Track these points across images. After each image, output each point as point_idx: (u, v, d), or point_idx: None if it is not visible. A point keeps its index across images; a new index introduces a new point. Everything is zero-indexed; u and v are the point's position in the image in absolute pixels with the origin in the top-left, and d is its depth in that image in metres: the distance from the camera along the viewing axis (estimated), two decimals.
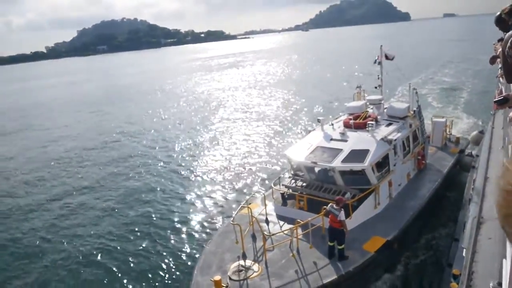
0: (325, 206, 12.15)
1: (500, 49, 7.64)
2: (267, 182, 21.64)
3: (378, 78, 18.82)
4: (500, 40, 7.58)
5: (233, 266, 11.41)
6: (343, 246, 11.64)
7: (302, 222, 12.09)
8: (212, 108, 51.56)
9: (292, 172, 16.05)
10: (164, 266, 15.71)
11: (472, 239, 8.38)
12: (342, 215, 11.50)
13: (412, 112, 17.95)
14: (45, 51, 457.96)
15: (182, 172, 27.36)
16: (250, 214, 12.63)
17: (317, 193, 14.11)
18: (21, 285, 15.59)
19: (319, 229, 12.40)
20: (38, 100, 78.08)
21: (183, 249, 16.91)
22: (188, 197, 22.70)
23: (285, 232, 12.51)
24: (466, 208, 12.42)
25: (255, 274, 11.04)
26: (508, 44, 3.99)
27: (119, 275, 15.55)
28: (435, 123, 20.70)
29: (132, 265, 16.11)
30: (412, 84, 20.59)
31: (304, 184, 15.03)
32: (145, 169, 28.77)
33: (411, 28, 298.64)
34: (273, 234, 12.59)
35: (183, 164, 29.26)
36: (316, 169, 15.04)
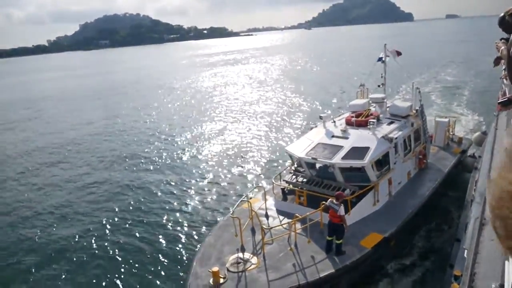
0: (323, 202, 12.30)
1: (502, 48, 7.58)
2: (268, 177, 21.76)
3: (382, 76, 18.81)
4: (503, 39, 7.51)
5: (232, 258, 11.61)
6: (341, 241, 11.77)
7: (300, 217, 12.32)
8: (215, 103, 51.78)
9: (293, 168, 16.24)
10: (164, 258, 15.95)
11: (474, 240, 8.34)
12: (342, 210, 11.68)
13: (414, 111, 17.99)
14: (46, 44, 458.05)
15: (184, 166, 27.55)
16: (250, 208, 12.86)
17: (317, 189, 14.24)
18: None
19: (317, 224, 12.60)
20: (42, 93, 78.18)
21: (183, 241, 17.14)
22: (189, 191, 22.85)
23: (284, 226, 12.72)
24: (468, 209, 12.39)
25: (253, 266, 11.23)
26: None
27: (119, 265, 15.80)
28: (438, 123, 20.74)
29: (132, 255, 16.32)
30: (416, 83, 20.56)
31: (305, 180, 15.21)
32: (146, 162, 28.94)
33: (414, 28, 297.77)
34: (271, 228, 12.78)
35: (185, 158, 29.47)
36: (317, 165, 15.17)
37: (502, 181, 1.68)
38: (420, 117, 18.00)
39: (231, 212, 13.34)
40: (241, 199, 15.00)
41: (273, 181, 15.99)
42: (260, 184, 17.43)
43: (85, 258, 16.52)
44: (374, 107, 18.63)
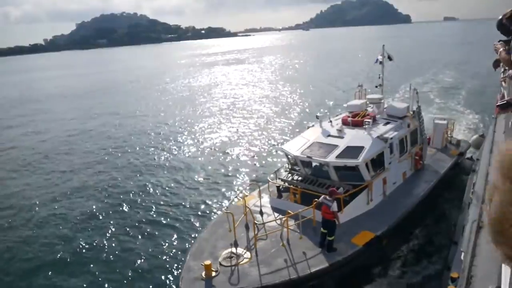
0: (316, 199, 12.52)
1: (501, 50, 7.61)
2: (264, 175, 22.08)
3: (379, 77, 18.89)
4: (501, 41, 7.54)
5: (225, 252, 11.88)
6: (333, 237, 11.96)
7: (292, 213, 12.59)
8: (213, 103, 52.16)
9: (289, 167, 16.42)
10: (159, 252, 16.28)
11: (472, 243, 8.35)
12: (334, 206, 11.89)
13: (411, 113, 18.16)
14: (43, 43, 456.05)
15: (181, 163, 27.84)
16: (244, 204, 13.18)
17: (312, 187, 14.43)
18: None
19: (310, 221, 12.78)
20: (39, 92, 78.08)
21: (179, 237, 17.46)
22: (185, 187, 23.14)
23: (278, 222, 12.93)
24: (465, 212, 12.42)
25: (245, 261, 11.47)
26: None
27: (113, 258, 16.19)
28: (436, 125, 20.86)
29: (127, 249, 16.69)
30: (414, 84, 20.70)
31: (300, 178, 15.38)
32: (142, 159, 29.31)
33: (412, 30, 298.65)
34: (262, 223, 13.02)
35: (181, 156, 29.82)
36: (313, 164, 15.32)
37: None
38: (417, 118, 18.08)
39: (225, 208, 13.55)
40: (236, 196, 15.27)
41: (269, 179, 16.20)
42: (255, 182, 17.71)
43: (80, 252, 16.87)
44: (372, 107, 18.75)
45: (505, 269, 6.79)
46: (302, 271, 10.98)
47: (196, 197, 21.70)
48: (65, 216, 20.63)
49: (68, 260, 16.42)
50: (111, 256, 16.34)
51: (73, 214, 20.78)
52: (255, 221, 12.34)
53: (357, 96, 20.31)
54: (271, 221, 13.29)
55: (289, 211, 12.84)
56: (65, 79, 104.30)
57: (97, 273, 15.27)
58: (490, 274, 7.22)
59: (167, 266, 15.33)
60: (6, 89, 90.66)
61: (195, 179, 24.57)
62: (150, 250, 16.53)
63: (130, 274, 15.06)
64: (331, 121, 16.94)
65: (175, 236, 17.57)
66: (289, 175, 15.90)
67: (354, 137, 15.21)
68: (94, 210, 21.02)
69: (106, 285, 14.52)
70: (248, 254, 11.76)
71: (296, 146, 15.64)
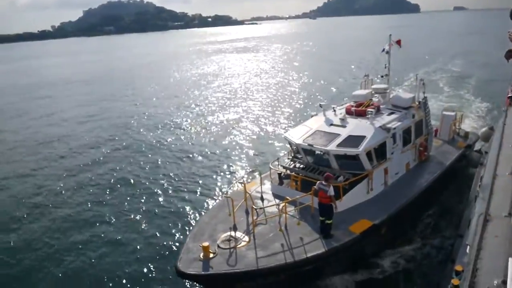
0: (314, 187, 12.61)
1: None
2: (267, 162, 22.48)
3: (385, 67, 18.68)
4: None
5: (224, 235, 12.17)
6: (331, 221, 12.14)
7: (290, 199, 12.86)
8: (220, 90, 52.83)
9: (292, 154, 16.58)
10: (160, 233, 17.11)
11: (478, 236, 8.28)
12: (331, 190, 12.06)
13: (417, 103, 17.96)
14: (51, 30, 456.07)
15: (185, 148, 28.62)
16: (244, 190, 13.43)
17: (312, 175, 14.50)
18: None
19: (309, 208, 13.00)
20: (48, 78, 78.92)
21: (180, 219, 18.17)
22: (189, 173, 23.79)
23: (276, 208, 13.02)
24: (472, 205, 12.30)
25: (243, 244, 11.75)
26: None
27: (116, 238, 17.11)
28: (444, 116, 20.61)
29: (131, 231, 17.58)
30: (422, 73, 20.48)
31: (302, 166, 15.57)
32: (145, 144, 30.21)
33: (421, 20, 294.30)
34: (260, 208, 13.31)
35: (185, 141, 30.62)
36: (316, 152, 15.33)
37: None
38: (423, 109, 17.89)
39: (225, 193, 13.78)
40: (238, 181, 15.61)
41: (270, 165, 16.34)
42: (257, 169, 18.00)
43: (81, 227, 18.18)
44: (377, 97, 18.59)
45: (511, 263, 6.72)
46: (298, 255, 11.17)
47: (199, 181, 22.32)
48: (74, 194, 21.87)
49: (73, 238, 17.35)
50: (116, 235, 17.34)
51: (81, 193, 22.04)
52: (253, 206, 12.62)
53: (363, 86, 20.12)
54: (269, 206, 13.57)
55: (288, 198, 13.08)
56: (75, 66, 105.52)
57: (105, 250, 16.22)
58: (496, 267, 7.15)
59: (167, 246, 16.00)
60: (17, 75, 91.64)
61: (199, 164, 25.18)
62: (151, 231, 17.29)
63: (131, 253, 15.90)
64: (334, 110, 16.93)
65: (176, 218, 18.24)
66: (291, 162, 16.08)
67: (356, 126, 15.21)
68: (100, 189, 22.22)
69: (112, 260, 15.58)
70: (246, 238, 12.02)
71: (299, 134, 15.76)
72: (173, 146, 29.63)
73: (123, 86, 61.42)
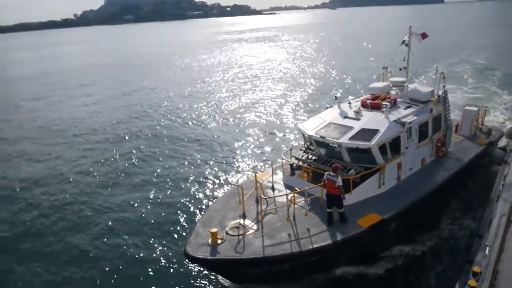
0: (323, 179, 12.69)
1: None
2: (280, 152, 22.70)
3: (404, 60, 18.26)
4: None
5: (232, 223, 12.50)
6: (343, 209, 12.32)
7: (298, 190, 13.03)
8: (237, 79, 53.34)
9: (305, 145, 16.52)
10: (171, 218, 17.71)
11: (499, 237, 7.93)
12: (339, 181, 12.18)
13: (436, 97, 17.47)
14: (74, 18, 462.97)
15: (199, 136, 29.06)
16: (255, 179, 13.57)
17: (324, 167, 14.53)
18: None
19: (318, 199, 13.07)
20: (73, 64, 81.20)
21: (191, 205, 18.72)
22: (204, 161, 24.18)
23: (286, 198, 13.02)
24: (493, 205, 11.85)
25: (250, 232, 12.01)
26: None
27: (129, 220, 17.92)
28: (465, 111, 19.98)
29: (143, 214, 18.34)
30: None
31: (314, 157, 15.53)
32: (160, 132, 30.81)
33: (445, 10, 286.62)
34: (269, 197, 13.40)
35: (200, 129, 31.03)
36: (330, 145, 15.17)
37: None
38: (442, 104, 17.39)
39: (236, 182, 14.02)
40: (249, 171, 16.04)
41: (283, 156, 16.43)
42: (267, 159, 17.97)
43: (95, 215, 18.76)
44: (395, 90, 18.15)
45: None
46: (304, 246, 11.30)
47: (212, 169, 22.76)
48: (88, 178, 22.73)
49: (89, 220, 18.25)
50: (129, 217, 18.17)
51: (95, 176, 23.04)
52: (262, 196, 12.91)
53: (381, 78, 19.68)
54: (278, 196, 13.61)
55: (296, 188, 13.26)
56: (99, 53, 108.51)
57: (118, 231, 17.08)
58: None
59: (178, 231, 16.61)
60: (42, 62, 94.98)
61: (212, 152, 25.59)
62: (163, 216, 17.99)
63: (142, 235, 16.59)
64: (350, 103, 16.72)
65: (188, 204, 18.79)
66: (304, 153, 16.02)
67: (370, 119, 15.02)
68: (115, 173, 23.26)
69: (123, 241, 16.32)
70: (254, 226, 12.25)
71: (312, 126, 15.70)
72: (187, 134, 30.01)
73: (140, 74, 62.35)
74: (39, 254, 15.96)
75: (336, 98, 17.12)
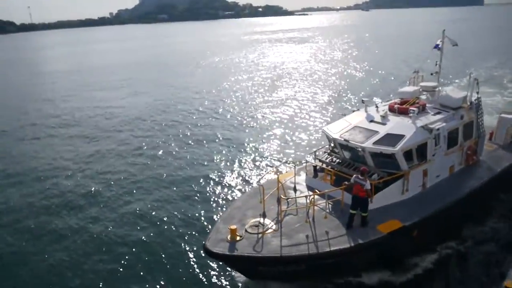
0: (346, 182, 12.83)
1: None
2: (303, 154, 22.88)
3: (436, 64, 17.71)
4: None
5: (252, 221, 12.72)
6: (367, 213, 12.25)
7: (318, 193, 13.22)
8: (266, 79, 53.77)
9: (330, 148, 16.44)
10: (194, 213, 18.20)
11: None
12: (368, 184, 12.17)
13: (468, 104, 16.91)
14: (109, 17, 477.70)
15: (225, 136, 29.40)
16: (277, 180, 13.72)
17: (347, 170, 14.46)
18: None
19: (339, 202, 13.07)
20: (111, 61, 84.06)
21: (214, 202, 19.21)
22: (227, 159, 24.60)
23: (306, 199, 13.03)
24: None
25: (269, 231, 12.18)
26: None
27: (153, 215, 18.41)
28: (501, 119, 19.22)
29: (167, 208, 18.88)
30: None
31: (338, 160, 15.47)
32: (188, 130, 31.48)
33: (484, 13, 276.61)
34: (288, 198, 13.48)
35: (226, 128, 31.42)
36: (354, 148, 15.00)
37: None
38: (475, 110, 16.83)
39: (258, 181, 14.65)
40: (272, 171, 16.61)
41: (306, 158, 16.48)
42: (291, 159, 17.79)
43: (122, 207, 19.49)
44: (425, 95, 17.75)
45: None
46: (321, 248, 11.32)
47: (236, 168, 23.10)
48: (118, 174, 23.25)
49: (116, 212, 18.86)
50: (154, 211, 18.70)
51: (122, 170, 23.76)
52: (282, 196, 12.96)
53: (412, 83, 19.19)
54: (298, 197, 13.66)
55: (317, 191, 13.37)
56: (133, 51, 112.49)
57: (144, 224, 17.73)
58: None
59: (199, 226, 17.13)
60: (84, 57, 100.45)
61: (237, 151, 25.95)
62: (186, 210, 18.47)
63: (165, 229, 17.15)
64: (377, 107, 16.46)
65: (210, 201, 19.28)
66: (328, 156, 15.97)
67: (396, 124, 14.72)
68: (141, 168, 24.06)
69: (147, 233, 16.90)
70: (274, 226, 12.41)
71: (337, 129, 15.59)
72: (213, 132, 30.51)
73: (172, 72, 64.18)
74: (65, 239, 16.82)
75: (363, 101, 16.94)
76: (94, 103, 43.86)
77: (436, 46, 17.70)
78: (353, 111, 17.12)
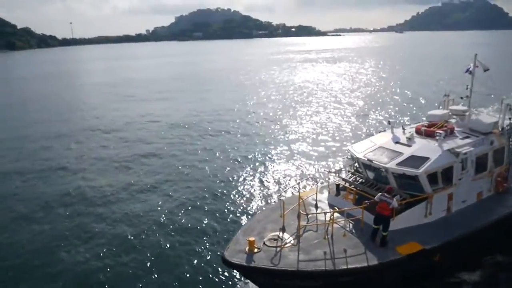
0: (367, 201, 12.90)
1: None
2: (327, 172, 22.92)
3: (467, 88, 17.65)
4: None
5: (271, 234, 12.94)
6: (387, 233, 12.29)
7: (337, 210, 13.36)
8: (296, 97, 54.87)
9: (354, 167, 16.60)
10: (215, 224, 18.74)
11: None
12: (395, 203, 12.32)
13: (499, 129, 16.71)
14: (146, 34, 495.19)
15: (251, 150, 30.15)
16: (299, 196, 13.89)
17: (369, 190, 14.51)
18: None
19: (359, 221, 13.11)
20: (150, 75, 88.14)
21: (235, 214, 19.67)
22: (253, 173, 25.16)
23: (325, 217, 13.21)
24: None
25: (287, 245, 12.33)
26: None
27: (177, 223, 19.06)
28: None
29: (190, 218, 19.47)
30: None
31: (361, 180, 15.55)
32: (214, 144, 32.43)
33: None
34: (308, 214, 13.66)
35: (252, 144, 32.28)
36: (378, 169, 15.09)
37: None
38: (506, 137, 16.62)
39: (279, 196, 15.12)
40: (294, 187, 16.76)
41: (329, 176, 16.61)
42: (312, 176, 18.05)
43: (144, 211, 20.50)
44: (455, 119, 17.72)
45: None
46: (338, 265, 11.39)
47: (259, 183, 23.65)
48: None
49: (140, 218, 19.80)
50: (179, 220, 19.38)
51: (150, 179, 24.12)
52: (302, 212, 13.09)
53: (442, 106, 19.27)
54: (319, 213, 13.90)
55: (336, 208, 13.51)
56: (170, 66, 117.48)
57: (167, 230, 18.40)
58: None
59: (219, 236, 17.61)
60: (124, 71, 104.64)
61: (262, 166, 26.46)
62: (208, 221, 19.03)
63: (186, 238, 17.60)
64: (404, 128, 16.59)
65: (233, 213, 19.76)
66: (351, 175, 16.12)
67: (422, 146, 14.74)
68: (166, 180, 24.86)
69: (170, 239, 17.59)
70: (292, 240, 12.54)
71: (362, 148, 15.75)
72: (239, 147, 31.29)
73: (206, 88, 66.34)
74: (90, 239, 17.91)
75: (389, 122, 17.07)
76: (132, 113, 46.48)
77: (467, 70, 17.56)
78: (380, 131, 17.39)
